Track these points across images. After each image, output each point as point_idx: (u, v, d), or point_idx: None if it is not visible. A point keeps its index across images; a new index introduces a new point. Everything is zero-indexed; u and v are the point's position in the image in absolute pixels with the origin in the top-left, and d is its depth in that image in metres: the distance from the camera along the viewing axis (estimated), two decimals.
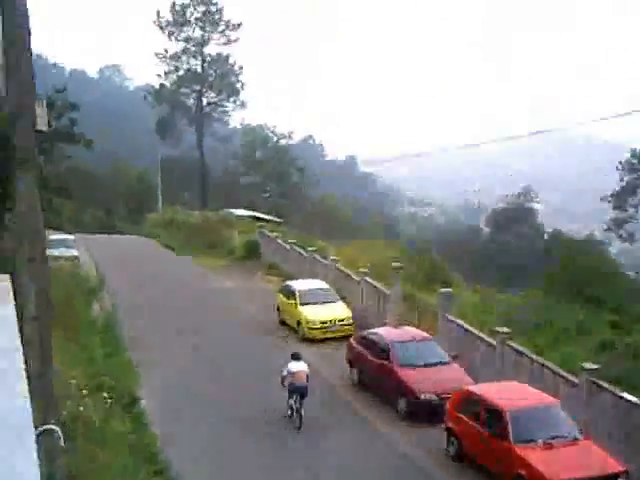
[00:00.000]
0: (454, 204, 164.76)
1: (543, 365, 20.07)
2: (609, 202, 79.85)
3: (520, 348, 21.24)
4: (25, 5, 10.17)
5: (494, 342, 21.99)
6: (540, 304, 31.92)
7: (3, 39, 10.19)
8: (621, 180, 79.28)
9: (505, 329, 22.11)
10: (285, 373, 19.99)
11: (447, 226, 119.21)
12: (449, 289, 27.36)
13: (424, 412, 19.84)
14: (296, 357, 20.46)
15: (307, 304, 28.75)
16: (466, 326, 23.97)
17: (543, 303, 32.20)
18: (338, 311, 28.63)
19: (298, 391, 19.63)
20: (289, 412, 19.81)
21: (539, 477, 15.15)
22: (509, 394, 17.77)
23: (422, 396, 19.93)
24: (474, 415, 17.46)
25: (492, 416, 16.88)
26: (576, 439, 16.45)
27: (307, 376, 19.94)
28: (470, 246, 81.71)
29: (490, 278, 59.10)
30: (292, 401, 19.72)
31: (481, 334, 23.10)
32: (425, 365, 21.32)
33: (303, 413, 19.46)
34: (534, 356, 20.71)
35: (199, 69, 78.44)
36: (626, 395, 17.43)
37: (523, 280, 54.95)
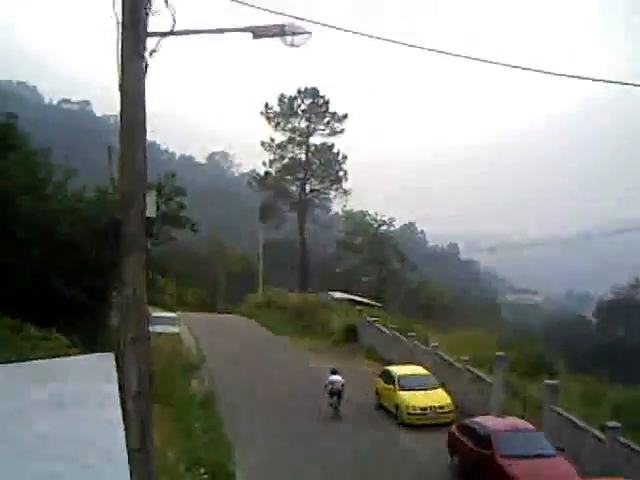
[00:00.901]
0: (559, 293, 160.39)
1: None
2: None
3: (631, 443, 20.00)
4: (143, 99, 10.64)
5: (603, 436, 20.81)
6: None
7: (121, 131, 10.66)
8: None
9: (615, 423, 20.93)
10: (327, 382, 28.84)
11: (553, 315, 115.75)
12: (555, 380, 26.31)
13: None
14: (334, 372, 29.37)
15: (406, 389, 28.33)
16: (573, 418, 22.88)
17: None
18: (438, 398, 28.09)
19: (336, 393, 28.39)
20: (331, 408, 28.38)
21: None
22: None
23: None
24: None
25: None
26: None
27: (342, 385, 28.49)
28: (577, 337, 78.81)
29: (599, 371, 56.53)
30: (332, 400, 28.41)
31: (589, 427, 21.94)
32: (529, 456, 20.32)
33: (340, 408, 28.18)
34: None
35: (303, 157, 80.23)
36: None
37: (635, 374, 52.29)
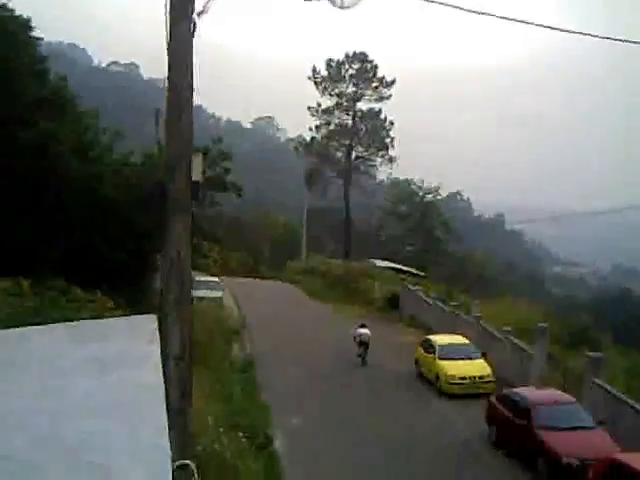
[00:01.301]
0: (605, 267, 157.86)
1: None
2: None
3: None
4: (191, 61, 10.65)
5: None
6: None
7: (168, 94, 10.69)
8: None
9: None
10: (356, 335, 31.91)
11: (599, 288, 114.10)
12: (598, 353, 26.03)
13: (565, 476, 18.78)
14: (362, 325, 32.47)
15: (446, 359, 28.27)
16: (614, 391, 22.66)
17: None
18: (478, 368, 27.99)
19: (363, 344, 31.38)
20: (359, 358, 31.40)
21: None
22: None
23: (564, 459, 18.89)
24: None
25: None
26: None
27: (368, 337, 31.49)
28: (624, 311, 77.61)
29: None
30: (360, 351, 31.47)
31: (629, 400, 21.74)
32: (568, 429, 20.25)
33: (366, 357, 31.29)
34: None
35: (350, 123, 79.64)
36: None
37: None
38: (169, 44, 10.45)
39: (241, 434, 17.71)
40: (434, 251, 76.60)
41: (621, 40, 14.05)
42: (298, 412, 23.70)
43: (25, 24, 23.75)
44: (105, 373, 6.40)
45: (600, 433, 20.29)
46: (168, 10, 10.34)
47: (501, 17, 13.55)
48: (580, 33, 14.80)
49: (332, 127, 79.76)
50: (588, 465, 17.92)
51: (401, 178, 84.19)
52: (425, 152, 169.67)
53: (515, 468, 20.43)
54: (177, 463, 7.33)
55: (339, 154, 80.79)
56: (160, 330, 8.65)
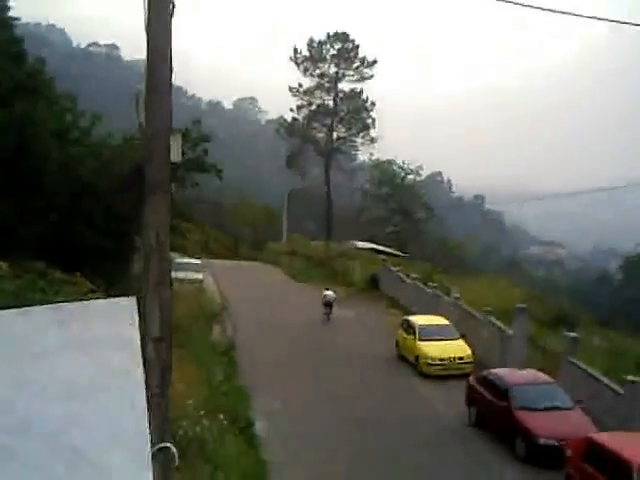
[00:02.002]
0: (585, 247, 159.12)
1: None
2: None
3: None
4: (170, 41, 10.55)
5: (620, 390, 20.90)
6: None
7: (147, 75, 10.58)
8: None
9: (634, 377, 20.98)
10: (322, 296, 36.88)
11: (577, 269, 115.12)
12: (575, 333, 26.30)
13: (543, 456, 19.03)
14: (327, 289, 37.81)
15: (426, 340, 28.47)
16: (591, 371, 22.94)
17: None
18: (458, 349, 28.20)
19: (328, 305, 36.57)
20: (325, 316, 36.48)
21: None
22: (638, 446, 16.71)
23: (541, 440, 19.14)
24: (598, 466, 16.50)
25: (618, 469, 15.85)
26: None
27: (333, 298, 36.89)
28: (601, 291, 78.44)
29: (623, 326, 56.39)
30: (326, 310, 36.61)
31: (606, 380, 22.03)
32: (546, 409, 20.51)
33: (330, 317, 36.37)
34: None
35: (331, 104, 79.43)
36: None
37: None
38: (148, 26, 10.35)
39: (222, 416, 17.74)
40: (415, 232, 76.91)
41: None
42: (278, 394, 23.80)
43: (0, 5, 23.43)
44: (84, 355, 6.35)
45: (578, 413, 20.55)
46: None
47: None
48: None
49: (314, 107, 79.57)
50: (566, 445, 18.19)
51: (383, 159, 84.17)
52: (408, 133, 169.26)
53: (494, 448, 20.65)
54: (157, 446, 7.34)
55: (321, 135, 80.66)
56: (140, 312, 8.61)
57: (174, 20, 10.52)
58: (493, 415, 21.45)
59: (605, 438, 17.39)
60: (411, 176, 79.23)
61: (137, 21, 10.42)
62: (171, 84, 10.73)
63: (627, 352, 30.25)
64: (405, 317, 32.07)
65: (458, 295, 34.24)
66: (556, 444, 18.82)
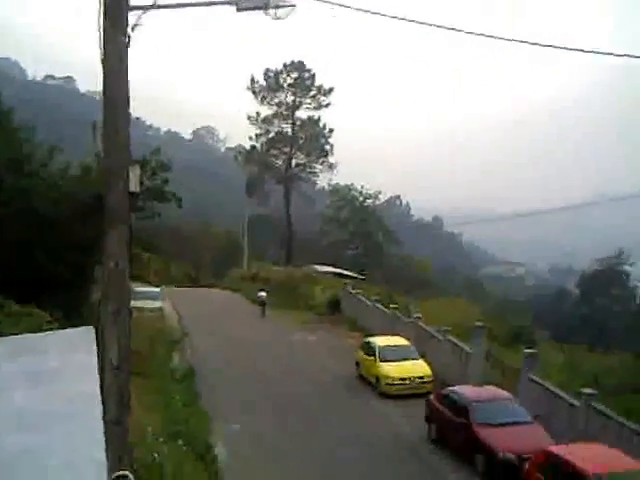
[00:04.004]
0: (543, 267, 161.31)
1: (630, 428, 19.32)
2: None
3: (605, 410, 20.52)
4: (126, 74, 10.75)
5: (577, 403, 21.36)
6: (632, 366, 30.76)
7: (104, 106, 10.75)
8: None
9: (590, 390, 21.46)
10: (258, 296, 44.95)
11: (535, 287, 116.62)
12: (533, 349, 26.81)
13: (503, 471, 19.32)
14: (261, 289, 46.03)
15: (386, 360, 28.73)
16: (548, 386, 23.38)
17: (633, 366, 31.02)
18: (418, 368, 28.48)
19: (262, 304, 44.63)
20: (260, 314, 44.03)
21: None
22: (592, 457, 17.11)
23: (501, 455, 19.45)
24: (555, 478, 16.85)
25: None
26: None
27: (265, 297, 44.82)
28: (560, 308, 79.66)
29: (580, 340, 57.42)
30: (260, 308, 44.45)
31: (563, 394, 22.48)
32: (505, 424, 20.80)
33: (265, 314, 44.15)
34: (620, 418, 19.96)
35: (289, 132, 79.97)
36: None
37: (616, 343, 53.16)
38: (103, 58, 10.54)
39: (181, 442, 17.74)
40: (374, 255, 77.50)
41: None
42: (239, 418, 23.81)
43: None
44: (40, 386, 6.40)
45: (536, 428, 20.88)
46: (101, 24, 10.42)
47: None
48: None
49: (272, 135, 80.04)
50: (524, 459, 18.52)
51: (341, 184, 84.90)
52: (365, 157, 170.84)
53: (453, 464, 20.90)
54: (115, 474, 7.45)
55: (279, 162, 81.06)
56: (98, 342, 8.73)
57: (130, 51, 10.78)
58: (453, 432, 21.71)
59: (562, 450, 17.77)
60: (370, 200, 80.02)
61: (94, 52, 10.63)
62: (129, 117, 10.95)
63: (583, 366, 30.94)
64: (365, 338, 32.34)
65: (418, 315, 34.60)
66: (514, 459, 19.16)
